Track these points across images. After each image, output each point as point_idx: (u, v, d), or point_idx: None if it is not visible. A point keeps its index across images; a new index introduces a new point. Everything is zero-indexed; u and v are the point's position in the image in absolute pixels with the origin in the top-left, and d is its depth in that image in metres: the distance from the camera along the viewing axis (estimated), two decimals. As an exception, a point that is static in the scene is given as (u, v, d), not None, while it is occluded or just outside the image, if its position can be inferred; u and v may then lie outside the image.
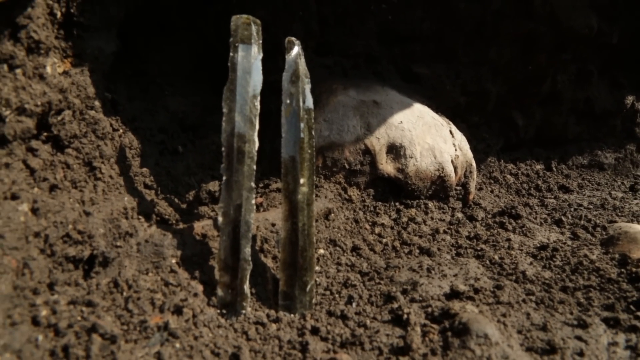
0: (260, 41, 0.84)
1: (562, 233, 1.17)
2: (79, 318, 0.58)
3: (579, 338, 0.69)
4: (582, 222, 1.24)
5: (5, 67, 0.63)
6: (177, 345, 0.59)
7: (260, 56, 0.83)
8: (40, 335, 0.54)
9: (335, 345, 0.66)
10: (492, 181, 1.64)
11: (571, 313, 0.77)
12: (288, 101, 0.83)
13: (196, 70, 1.28)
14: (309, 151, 0.82)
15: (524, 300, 0.81)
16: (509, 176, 1.68)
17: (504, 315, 0.74)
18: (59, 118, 0.75)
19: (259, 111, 0.81)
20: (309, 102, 0.85)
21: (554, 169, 1.81)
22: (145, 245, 0.73)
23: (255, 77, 0.81)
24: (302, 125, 0.82)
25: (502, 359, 0.60)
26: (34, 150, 0.70)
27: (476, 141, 1.69)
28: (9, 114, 0.64)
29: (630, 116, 1.88)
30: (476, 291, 0.82)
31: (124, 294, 0.66)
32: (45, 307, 0.57)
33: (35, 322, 0.55)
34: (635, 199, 1.61)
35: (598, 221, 1.25)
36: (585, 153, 1.88)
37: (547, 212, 1.34)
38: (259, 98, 0.81)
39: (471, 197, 1.28)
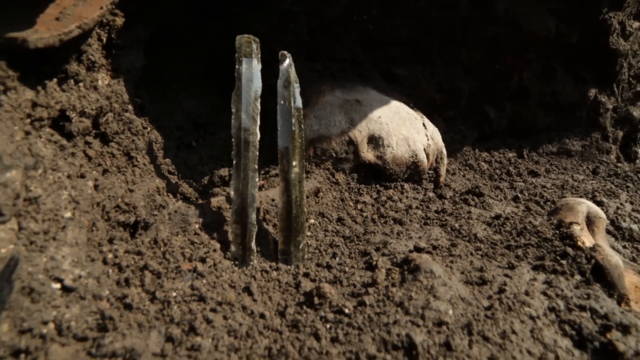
0: (259, 55, 1.08)
1: (517, 207, 1.40)
2: (133, 261, 0.82)
3: (506, 275, 0.93)
4: (536, 198, 1.48)
5: (72, 81, 0.86)
6: (204, 281, 0.83)
7: (259, 67, 1.07)
8: (109, 269, 0.77)
9: (321, 283, 0.89)
10: (467, 168, 1.87)
11: (507, 262, 1.00)
12: (282, 102, 1.07)
13: (205, 77, 1.52)
14: (300, 140, 1.06)
15: (471, 253, 1.04)
16: (483, 163, 1.91)
17: (451, 262, 0.98)
18: (105, 119, 0.98)
19: (259, 110, 1.05)
20: (299, 102, 1.08)
21: (525, 156, 2.04)
22: (175, 215, 0.97)
23: (256, 84, 1.05)
24: (293, 120, 1.05)
25: (442, 286, 0.83)
26: (90, 143, 0.94)
27: (452, 133, 1.92)
28: (74, 116, 0.87)
29: (594, 107, 2.11)
30: (434, 248, 1.05)
31: (162, 249, 0.89)
32: (109, 253, 0.81)
33: (104, 261, 0.79)
34: (593, 180, 1.84)
35: (551, 197, 1.48)
36: (554, 142, 2.11)
37: (510, 191, 1.57)
38: (259, 100, 1.05)
39: (442, 179, 1.51)
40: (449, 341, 0.70)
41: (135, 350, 0.63)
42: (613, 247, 1.31)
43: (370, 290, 0.85)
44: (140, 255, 0.84)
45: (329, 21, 1.58)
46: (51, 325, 0.63)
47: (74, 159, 0.87)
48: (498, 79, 1.86)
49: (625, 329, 0.79)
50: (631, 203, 1.57)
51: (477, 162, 1.90)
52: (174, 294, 0.77)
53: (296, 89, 1.08)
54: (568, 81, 2.04)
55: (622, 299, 0.92)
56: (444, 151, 1.55)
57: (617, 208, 1.48)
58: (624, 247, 1.35)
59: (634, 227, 1.41)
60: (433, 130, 1.55)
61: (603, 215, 1.27)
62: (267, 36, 1.47)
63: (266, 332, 0.74)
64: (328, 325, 0.76)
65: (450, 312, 0.77)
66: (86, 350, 0.63)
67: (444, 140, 1.80)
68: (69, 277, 0.69)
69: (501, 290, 0.85)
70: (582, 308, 0.84)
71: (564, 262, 1.01)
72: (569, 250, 1.03)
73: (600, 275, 0.97)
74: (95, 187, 0.88)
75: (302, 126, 1.08)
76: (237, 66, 1.04)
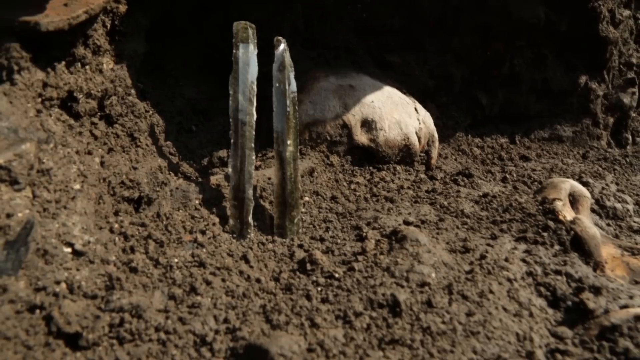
0: (255, 40, 1.13)
1: (505, 187, 1.46)
2: (137, 232, 0.88)
3: (488, 245, 0.98)
4: (524, 179, 1.53)
5: (79, 64, 0.92)
6: (204, 250, 0.89)
7: (256, 52, 1.12)
8: (116, 237, 0.83)
9: (313, 251, 0.95)
10: (460, 153, 1.93)
11: (490, 233, 1.06)
12: (277, 85, 1.12)
13: (204, 65, 1.57)
14: (294, 121, 1.11)
15: (457, 227, 1.10)
16: (475, 148, 1.97)
17: (437, 234, 1.04)
18: (109, 101, 1.04)
19: (255, 92, 1.10)
20: (293, 85, 1.14)
21: (518, 142, 2.09)
22: (176, 191, 1.03)
23: (252, 68, 1.10)
24: (288, 102, 1.11)
25: (426, 252, 0.89)
26: (95, 123, 0.99)
27: (445, 119, 1.98)
28: (81, 97, 0.93)
29: (584, 94, 2.16)
30: (422, 222, 1.11)
31: (164, 222, 0.95)
32: (115, 223, 0.87)
33: (111, 230, 0.85)
34: (582, 163, 1.90)
35: (538, 179, 1.54)
36: (546, 127, 2.16)
37: (500, 174, 1.63)
38: (255, 83, 1.10)
39: (433, 161, 1.57)
40: (430, 299, 0.76)
41: (141, 306, 0.69)
42: (597, 225, 1.36)
43: (360, 257, 0.91)
44: (144, 226, 0.90)
45: (324, 10, 1.63)
46: (63, 285, 0.69)
47: (81, 137, 0.93)
48: (489, 65, 1.91)
49: (597, 290, 0.84)
50: (617, 184, 1.63)
51: (469, 147, 1.96)
52: (176, 260, 0.83)
53: (291, 72, 1.14)
54: (559, 68, 2.09)
55: (597, 265, 0.98)
56: (436, 135, 1.61)
57: (603, 188, 1.53)
58: (608, 224, 1.41)
59: (618, 206, 1.46)
60: (425, 115, 1.60)
61: (588, 194, 1.32)
62: (264, 25, 1.51)
63: (261, 293, 0.80)
64: (319, 288, 0.82)
65: (433, 275, 0.83)
66: (96, 305, 0.69)
67: (436, 126, 1.86)
68: (79, 242, 0.75)
69: (482, 257, 0.91)
70: (558, 272, 0.90)
71: (545, 234, 1.07)
72: (550, 223, 1.09)
73: (578, 245, 1.03)
74: (102, 163, 0.93)
75: (297, 108, 1.14)
76: (234, 51, 1.10)
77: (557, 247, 1.01)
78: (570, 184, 1.32)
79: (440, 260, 0.88)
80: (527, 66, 1.99)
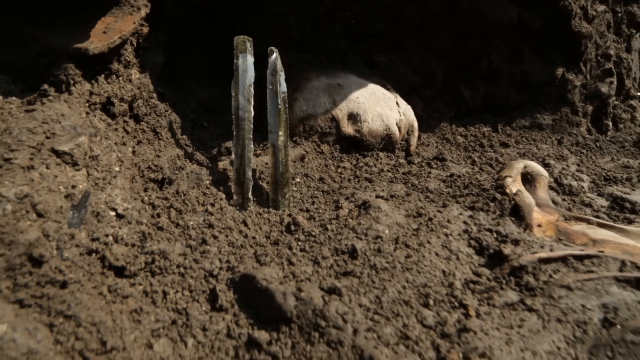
0: (252, 51, 1.40)
1: (473, 168, 1.70)
2: (162, 203, 1.16)
3: (438, 211, 1.24)
4: (492, 162, 1.77)
5: (114, 76, 1.20)
6: (213, 217, 1.17)
7: (252, 60, 1.39)
8: (146, 206, 1.12)
9: (297, 216, 1.22)
10: (444, 141, 2.17)
11: (442, 203, 1.32)
12: (270, 86, 1.39)
13: (213, 70, 1.85)
14: (284, 116, 1.38)
15: (419, 200, 1.36)
16: (459, 137, 2.21)
17: (400, 204, 1.30)
18: (137, 104, 1.33)
19: (253, 94, 1.37)
20: (284, 86, 1.40)
21: (500, 130, 2.32)
22: (191, 174, 1.31)
23: (250, 73, 1.37)
24: (279, 100, 1.38)
25: (385, 216, 1.15)
26: (127, 121, 1.28)
27: (430, 111, 2.22)
28: (116, 101, 1.22)
29: (562, 85, 2.37)
30: (391, 196, 1.37)
31: (182, 197, 1.23)
32: (145, 197, 1.15)
33: (142, 202, 1.13)
34: (555, 148, 2.12)
35: (504, 161, 1.77)
36: (526, 116, 2.38)
37: (478, 159, 1.87)
38: (252, 86, 1.37)
39: (412, 148, 1.82)
40: (380, 247, 1.03)
41: (166, 251, 0.97)
42: (553, 200, 1.59)
43: (333, 221, 1.18)
44: (167, 199, 1.18)
45: (315, 19, 1.89)
46: (110, 237, 0.98)
47: (117, 132, 1.22)
48: (468, 62, 2.14)
49: (516, 242, 1.09)
50: (578, 165, 1.86)
51: (453, 136, 2.20)
52: (191, 222, 1.11)
53: (281, 76, 1.41)
54: (537, 62, 2.31)
55: (527, 227, 1.23)
56: (415, 125, 1.86)
57: (563, 169, 1.76)
58: (563, 199, 1.64)
59: (574, 183, 1.69)
60: (405, 108, 1.85)
61: (545, 173, 1.56)
62: (264, 34, 1.79)
63: (255, 246, 1.08)
64: (299, 242, 1.09)
65: (387, 231, 1.09)
66: (134, 250, 0.97)
67: (422, 117, 2.11)
68: (120, 208, 1.03)
69: (429, 219, 1.17)
70: (489, 230, 1.15)
71: (492, 204, 1.31)
72: (498, 195, 1.34)
73: (516, 212, 1.28)
74: (133, 152, 1.22)
75: (287, 105, 1.41)
76: (235, 60, 1.37)
77: (497, 213, 1.26)
78: (524, 164, 1.56)
79: (394, 222, 1.14)
80: (505, 61, 2.22)
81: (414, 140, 1.83)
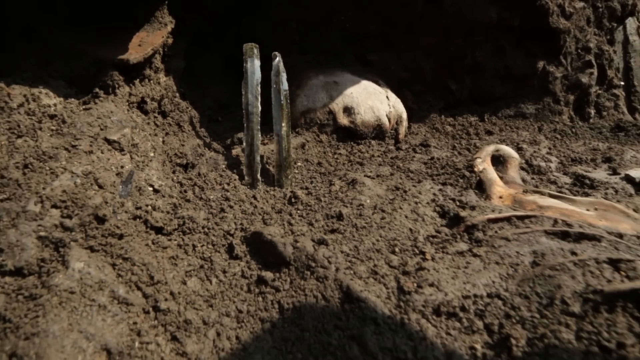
0: (259, 56, 1.68)
1: (453, 153, 1.97)
2: (187, 182, 1.46)
3: (414, 185, 1.52)
4: (470, 147, 2.04)
5: (146, 80, 1.50)
6: (228, 193, 1.46)
7: (259, 63, 1.67)
8: (175, 184, 1.42)
9: (297, 190, 1.50)
10: (434, 131, 2.44)
11: (418, 180, 1.59)
12: (274, 85, 1.68)
13: (225, 70, 2.14)
14: (286, 110, 1.67)
15: (400, 178, 1.63)
16: (447, 126, 2.47)
17: (383, 181, 1.57)
18: (164, 102, 1.63)
19: (260, 92, 1.66)
20: (285, 85, 1.68)
21: (486, 120, 2.58)
22: (209, 159, 1.61)
23: (257, 75, 1.66)
24: (282, 97, 1.66)
25: (368, 189, 1.43)
26: (157, 117, 1.58)
27: (421, 103, 2.49)
28: (149, 100, 1.51)
29: (544, 76, 2.61)
30: (377, 176, 1.65)
31: (203, 178, 1.52)
32: (175, 177, 1.45)
33: (172, 180, 1.43)
34: (534, 135, 2.37)
35: (481, 146, 2.03)
36: (511, 106, 2.63)
37: (460, 145, 2.13)
38: (259, 85, 1.66)
39: (401, 136, 2.09)
40: (362, 212, 1.31)
41: (193, 217, 1.27)
42: (523, 179, 1.85)
43: (327, 195, 1.46)
44: (191, 179, 1.48)
45: (314, 24, 2.17)
46: (150, 207, 1.28)
47: (150, 125, 1.52)
48: (454, 58, 2.40)
49: (473, 208, 1.37)
50: (549, 149, 2.11)
51: (442, 126, 2.46)
52: (212, 197, 1.40)
53: (283, 76, 1.69)
54: (518, 56, 2.55)
55: (487, 197, 1.50)
56: (404, 116, 2.13)
57: (534, 152, 2.02)
58: (532, 178, 1.90)
59: (542, 164, 1.95)
60: (395, 101, 2.13)
61: (516, 155, 1.83)
62: (268, 38, 2.08)
63: (262, 213, 1.37)
64: (298, 210, 1.38)
65: (368, 201, 1.37)
66: (169, 216, 1.27)
67: (413, 109, 2.39)
68: (156, 185, 1.33)
69: (405, 192, 1.45)
70: (453, 200, 1.42)
71: (461, 180, 1.59)
72: (467, 173, 1.61)
73: (480, 186, 1.55)
74: (163, 142, 1.52)
75: (288, 101, 1.69)
76: (244, 64, 1.66)
77: (463, 187, 1.53)
78: (496, 148, 1.83)
79: (375, 194, 1.42)
80: (489, 56, 2.48)
81: (402, 130, 2.10)
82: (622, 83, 3.06)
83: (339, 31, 2.23)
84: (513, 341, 0.96)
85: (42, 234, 1.02)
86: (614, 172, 1.87)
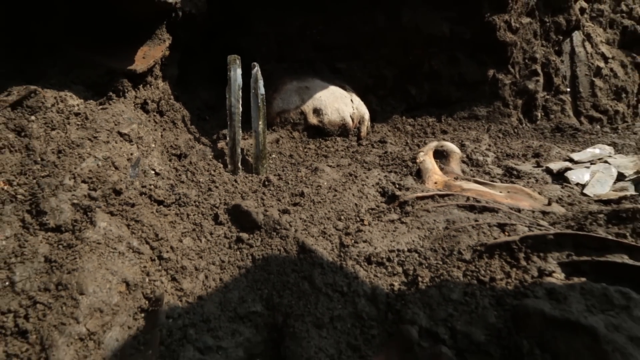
0: (240, 65, 2.09)
1: (404, 148, 2.39)
2: (182, 168, 1.86)
3: (364, 172, 1.93)
4: (420, 144, 2.46)
5: (148, 85, 1.90)
6: (215, 177, 1.86)
7: (240, 72, 2.08)
8: (172, 169, 1.82)
9: (270, 176, 1.90)
10: (396, 130, 2.87)
11: (368, 167, 2.01)
12: (253, 91, 2.09)
13: (212, 76, 2.55)
14: (263, 111, 2.08)
15: (356, 167, 2.05)
16: (408, 126, 2.90)
17: (341, 169, 1.99)
18: (161, 103, 2.03)
19: (241, 96, 2.06)
20: (262, 90, 2.09)
21: (443, 121, 3.01)
22: (199, 151, 2.01)
23: (238, 81, 2.07)
24: (259, 100, 2.07)
25: (326, 175, 1.84)
26: (155, 115, 1.98)
27: (384, 106, 2.92)
28: (150, 102, 1.91)
29: (494, 83, 3.06)
30: (337, 165, 2.06)
31: (194, 166, 1.92)
32: (171, 164, 1.85)
33: (169, 167, 1.83)
34: (481, 134, 2.81)
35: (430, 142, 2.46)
36: (465, 109, 3.07)
37: (409, 141, 2.56)
38: (241, 90, 2.07)
39: (362, 134, 2.52)
40: (319, 191, 1.72)
41: (187, 194, 1.67)
42: (463, 170, 2.28)
43: (294, 179, 1.87)
44: (184, 166, 1.88)
45: (290, 36, 2.59)
46: (152, 185, 1.67)
47: (150, 122, 1.92)
48: (413, 66, 2.84)
49: (407, 189, 1.79)
50: (489, 145, 2.55)
51: (403, 126, 2.89)
52: (201, 180, 1.81)
53: (260, 82, 2.10)
54: (471, 65, 3.00)
55: (423, 182, 1.92)
56: (366, 117, 2.56)
57: (475, 148, 2.45)
58: (471, 169, 2.33)
59: (480, 158, 2.38)
60: (358, 103, 2.55)
61: (457, 150, 2.26)
62: (250, 49, 2.49)
63: (241, 192, 1.77)
64: (270, 191, 1.79)
65: (325, 183, 1.79)
66: (168, 192, 1.67)
67: (377, 111, 2.81)
68: (157, 168, 1.73)
69: (355, 177, 1.86)
70: (393, 183, 1.84)
71: (404, 169, 2.01)
72: (410, 163, 2.04)
73: (419, 173, 1.97)
74: (161, 136, 1.92)
75: (264, 103, 2.10)
76: (228, 72, 2.07)
77: (404, 174, 1.95)
78: (440, 144, 2.26)
79: (332, 178, 1.84)
80: (444, 65, 2.92)
81: (363, 128, 2.53)
82: (569, 89, 3.53)
83: (311, 43, 2.65)
84: (420, 279, 1.38)
85: (75, 201, 1.42)
86: (538, 165, 2.31)
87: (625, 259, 1.35)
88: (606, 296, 1.20)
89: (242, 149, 2.07)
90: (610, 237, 1.41)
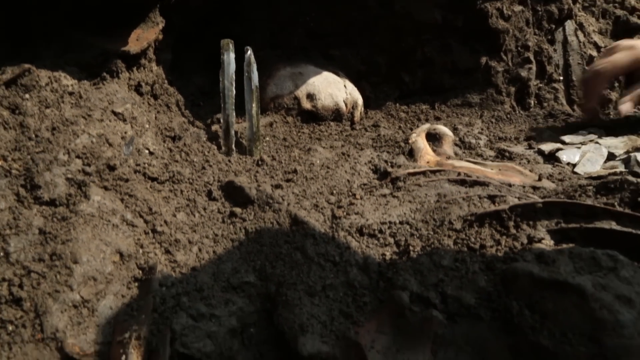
0: (234, 49, 2.11)
1: (398, 132, 2.41)
2: (176, 149, 1.88)
3: (357, 152, 1.95)
4: (414, 127, 2.48)
5: (142, 68, 1.92)
6: (208, 157, 1.88)
7: (234, 56, 2.10)
8: (166, 150, 1.83)
9: (264, 156, 1.92)
10: (389, 117, 2.88)
11: (354, 146, 2.03)
12: (246, 74, 2.10)
13: (206, 63, 2.56)
14: (256, 94, 2.09)
15: (350, 148, 2.06)
16: (401, 113, 2.92)
17: (334, 149, 2.00)
18: (155, 87, 2.04)
19: (234, 79, 2.08)
20: (255, 73, 2.11)
21: (436, 108, 3.03)
22: (193, 133, 2.03)
23: (232, 66, 2.08)
24: (252, 84, 2.09)
25: (319, 154, 1.86)
26: (150, 98, 2.00)
27: (378, 93, 2.93)
28: (143, 84, 1.93)
29: (487, 70, 3.08)
30: (330, 147, 2.08)
31: (188, 147, 1.94)
32: (165, 145, 1.87)
33: (163, 147, 1.84)
34: (474, 119, 2.83)
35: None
36: (459, 96, 3.09)
37: (402, 125, 2.58)
38: (234, 74, 2.08)
39: (355, 119, 2.54)
40: (312, 169, 1.74)
41: (181, 172, 1.69)
42: (456, 153, 2.30)
43: (287, 159, 1.89)
44: (178, 147, 1.90)
45: (283, 23, 2.61)
46: (147, 164, 1.69)
47: (144, 105, 1.94)
48: (406, 53, 2.86)
49: (399, 167, 1.80)
50: (481, 129, 2.57)
51: (397, 113, 2.91)
52: (195, 159, 1.82)
53: (254, 67, 2.12)
54: (464, 52, 3.02)
55: (415, 161, 1.94)
56: (359, 102, 2.58)
57: (467, 131, 2.47)
58: (463, 152, 2.35)
59: (473, 141, 2.40)
60: (351, 89, 2.57)
61: (450, 133, 2.28)
62: (243, 36, 2.51)
63: (235, 171, 1.79)
64: (263, 170, 1.80)
65: (318, 161, 1.80)
66: (162, 170, 1.68)
67: (370, 98, 2.83)
68: (151, 148, 1.74)
69: (348, 155, 1.88)
70: (386, 161, 1.86)
71: (397, 149, 2.03)
72: (402, 144, 2.06)
73: (411, 153, 1.99)
74: (155, 118, 1.94)
75: (257, 85, 2.11)
76: (221, 56, 2.08)
77: (397, 153, 1.97)
78: (432, 126, 2.28)
79: (324, 157, 1.86)
80: (437, 52, 2.94)
81: (357, 113, 2.55)
82: (562, 78, 3.55)
83: (304, 30, 2.67)
84: (411, 248, 1.40)
85: (69, 176, 1.43)
86: (530, 147, 2.33)
87: (613, 225, 1.37)
88: (594, 259, 1.22)
89: (235, 132, 2.08)
90: (598, 205, 1.43)
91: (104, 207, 1.41)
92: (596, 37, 3.67)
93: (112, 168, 1.51)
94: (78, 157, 1.48)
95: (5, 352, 1.12)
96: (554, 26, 3.46)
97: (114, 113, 1.65)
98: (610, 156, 2.17)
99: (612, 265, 1.20)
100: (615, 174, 1.86)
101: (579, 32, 3.57)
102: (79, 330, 1.17)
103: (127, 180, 1.52)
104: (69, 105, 1.59)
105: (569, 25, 3.62)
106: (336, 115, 2.47)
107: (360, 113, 2.60)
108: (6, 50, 1.75)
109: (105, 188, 1.48)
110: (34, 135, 1.48)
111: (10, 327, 1.15)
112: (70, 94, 1.63)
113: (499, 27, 2.97)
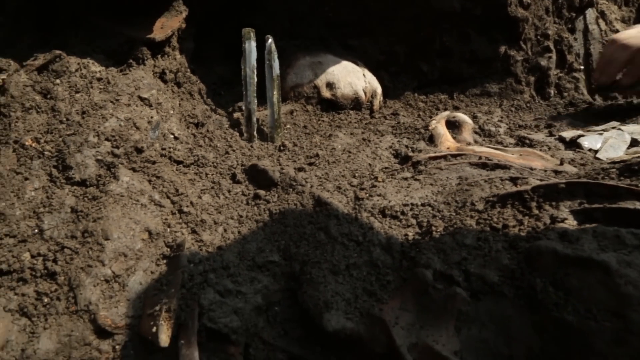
0: (255, 38, 2.13)
1: (417, 119, 2.41)
2: (199, 135, 1.91)
3: (377, 138, 1.96)
4: (433, 115, 2.48)
5: (166, 56, 1.95)
6: (231, 144, 1.91)
7: (255, 44, 2.12)
8: (190, 135, 1.87)
9: (285, 142, 1.94)
10: (408, 106, 2.88)
11: (375, 133, 2.04)
12: (267, 62, 2.13)
13: (227, 53, 2.60)
14: (277, 82, 2.12)
15: (370, 135, 2.07)
16: (420, 102, 2.92)
17: (354, 136, 2.02)
18: (179, 75, 2.08)
19: (255, 67, 2.11)
20: (277, 61, 2.13)
21: (455, 97, 3.02)
22: (215, 120, 2.06)
23: (253, 54, 2.11)
24: (273, 72, 2.11)
25: (340, 140, 1.88)
26: (173, 86, 2.03)
27: (396, 82, 2.94)
28: (167, 72, 1.96)
29: (506, 59, 3.06)
30: (351, 134, 2.09)
31: (211, 134, 1.97)
32: (189, 131, 1.90)
33: (187, 132, 1.88)
34: (494, 108, 2.82)
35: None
36: (477, 86, 3.07)
37: (421, 114, 2.58)
38: (255, 62, 2.11)
39: (375, 107, 2.54)
40: (333, 153, 1.76)
41: (205, 156, 1.72)
42: (475, 140, 2.29)
43: (309, 144, 1.91)
44: (202, 133, 1.93)
45: (302, 13, 2.63)
46: (172, 148, 1.72)
47: (168, 92, 1.97)
48: (424, 43, 2.85)
49: (420, 151, 1.81)
50: (500, 118, 2.56)
51: (415, 102, 2.91)
52: (218, 144, 1.85)
53: (275, 55, 2.14)
54: (482, 41, 3.00)
55: (435, 146, 1.94)
56: (378, 91, 2.58)
57: (487, 119, 2.47)
58: (483, 140, 2.34)
59: (492, 129, 2.39)
60: (370, 78, 2.58)
61: (469, 121, 2.28)
62: (263, 26, 2.53)
63: (257, 156, 1.81)
64: (286, 155, 1.82)
65: (339, 146, 1.82)
66: (187, 154, 1.71)
67: (389, 87, 2.84)
68: (176, 133, 1.78)
69: (369, 141, 1.90)
70: (406, 146, 1.87)
71: (417, 135, 2.04)
72: (422, 131, 2.06)
73: (431, 138, 2.00)
74: (179, 105, 1.97)
75: (278, 73, 2.14)
76: (243, 45, 2.11)
77: (417, 139, 1.98)
78: (452, 114, 2.28)
79: (345, 142, 1.87)
80: (456, 42, 2.93)
81: (376, 102, 2.56)
82: (582, 67, 3.51)
83: (323, 20, 2.68)
84: (434, 228, 1.41)
85: (99, 157, 1.47)
86: (551, 134, 2.31)
87: (638, 205, 1.36)
88: (618, 237, 1.21)
89: (257, 119, 2.11)
90: (621, 185, 1.42)
91: (132, 188, 1.45)
92: (618, 25, 3.62)
93: (139, 150, 1.55)
94: (107, 139, 1.52)
95: (42, 323, 1.16)
96: (574, 14, 3.42)
97: (141, 98, 1.69)
98: (634, 142, 2.14)
99: (636, 243, 1.20)
100: (639, 157, 1.84)
101: (601, 20, 3.52)
102: (111, 304, 1.21)
103: (154, 163, 1.55)
104: (97, 90, 1.63)
105: (590, 13, 3.57)
106: (355, 103, 2.48)
107: (379, 102, 2.61)
108: (36, 38, 1.80)
109: (134, 169, 1.51)
110: (65, 119, 1.52)
111: (45, 300, 1.19)
112: (99, 79, 1.67)
113: (518, 15, 2.95)
